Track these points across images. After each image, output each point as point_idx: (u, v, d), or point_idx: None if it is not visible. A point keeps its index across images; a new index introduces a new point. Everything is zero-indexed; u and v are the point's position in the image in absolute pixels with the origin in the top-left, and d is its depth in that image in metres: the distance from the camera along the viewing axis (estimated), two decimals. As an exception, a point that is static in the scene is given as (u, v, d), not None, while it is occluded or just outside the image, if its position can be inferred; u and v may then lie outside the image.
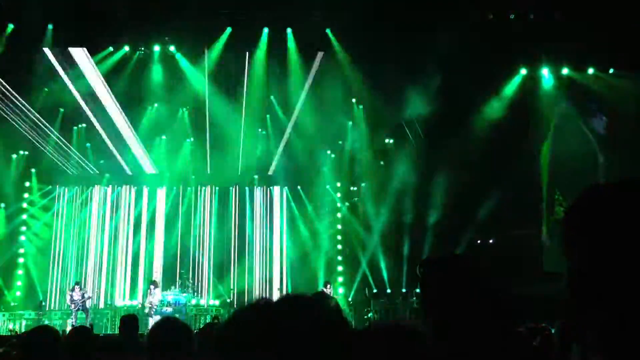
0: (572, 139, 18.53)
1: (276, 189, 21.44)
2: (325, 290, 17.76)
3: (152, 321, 15.41)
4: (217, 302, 19.22)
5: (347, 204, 21.35)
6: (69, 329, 14.72)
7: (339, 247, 20.99)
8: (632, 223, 1.02)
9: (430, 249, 18.43)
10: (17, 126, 18.00)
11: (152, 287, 17.13)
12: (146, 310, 16.24)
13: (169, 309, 17.17)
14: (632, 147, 16.91)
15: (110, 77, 17.96)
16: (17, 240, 20.00)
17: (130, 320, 6.18)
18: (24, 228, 20.25)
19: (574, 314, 1.06)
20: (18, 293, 19.49)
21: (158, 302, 16.94)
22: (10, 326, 17.24)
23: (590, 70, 18.46)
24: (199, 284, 19.82)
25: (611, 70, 18.18)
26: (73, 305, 16.56)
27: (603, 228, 1.05)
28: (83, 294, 16.82)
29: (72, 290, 16.89)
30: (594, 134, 18.60)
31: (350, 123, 20.35)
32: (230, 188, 21.25)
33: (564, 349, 2.81)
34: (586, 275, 1.06)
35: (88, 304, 16.95)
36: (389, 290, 19.52)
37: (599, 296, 1.03)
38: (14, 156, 19.78)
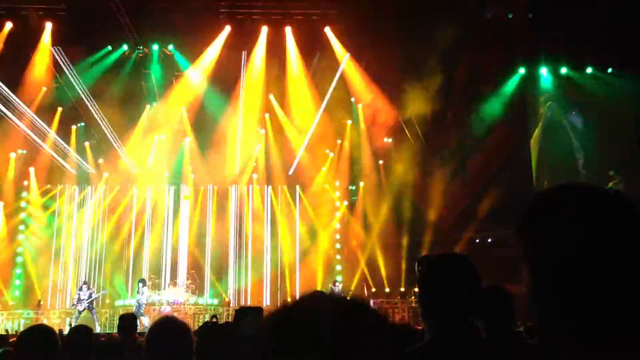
0: (559, 135, 18.72)
1: (275, 188, 21.43)
2: (333, 288, 17.79)
3: (143, 320, 15.41)
4: (215, 301, 19.21)
5: (345, 203, 21.37)
6: (67, 328, 14.74)
7: (338, 246, 21.00)
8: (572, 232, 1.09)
9: (429, 248, 18.45)
10: (15, 125, 17.97)
11: (140, 285, 17.18)
12: (134, 309, 16.21)
13: (168, 308, 17.18)
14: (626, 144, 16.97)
15: (109, 75, 17.95)
16: (15, 239, 19.98)
17: (129, 319, 6.19)
18: (22, 227, 20.23)
19: (537, 321, 1.18)
20: (16, 292, 19.48)
21: (146, 300, 16.99)
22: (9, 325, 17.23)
23: (589, 70, 18.48)
24: (197, 283, 19.80)
25: (609, 70, 18.21)
26: (80, 305, 16.57)
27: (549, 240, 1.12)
28: (90, 293, 16.81)
29: (80, 289, 16.88)
30: (575, 131, 18.70)
31: (350, 122, 20.35)
32: (229, 187, 21.26)
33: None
34: (538, 288, 1.16)
35: (94, 303, 16.96)
36: (387, 289, 19.53)
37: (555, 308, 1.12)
38: (13, 155, 19.75)
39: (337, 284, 18.27)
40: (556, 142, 18.70)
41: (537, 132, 19.03)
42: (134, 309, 16.25)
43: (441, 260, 2.19)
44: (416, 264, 2.21)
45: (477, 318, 2.16)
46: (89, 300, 16.63)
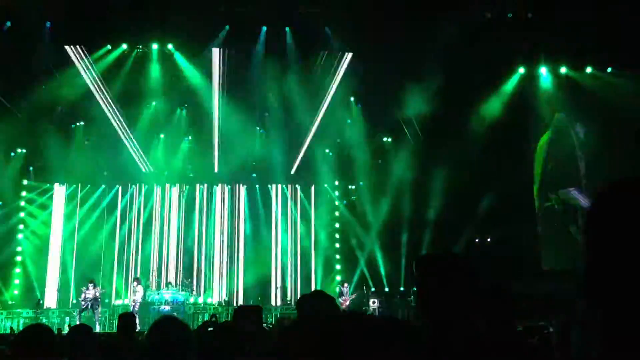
0: (564, 143, 18.92)
1: (274, 187, 21.41)
2: (342, 289, 17.79)
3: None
4: (214, 301, 19.21)
5: (345, 202, 21.36)
6: (66, 327, 14.74)
7: (337, 245, 20.99)
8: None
9: (428, 248, 18.45)
10: (15, 124, 17.96)
11: (135, 283, 17.15)
12: (131, 309, 16.20)
13: (168, 308, 17.18)
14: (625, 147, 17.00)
15: (108, 74, 17.93)
16: (14, 239, 19.96)
17: (128, 319, 6.19)
18: (21, 226, 20.22)
19: (585, 299, 1.10)
20: (16, 292, 19.47)
21: (141, 299, 17.00)
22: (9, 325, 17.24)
23: (589, 69, 18.48)
24: (197, 282, 19.81)
25: (609, 69, 18.21)
26: (84, 303, 16.57)
27: (623, 224, 1.08)
28: (96, 292, 16.78)
29: (87, 288, 16.85)
30: (579, 141, 18.87)
31: (349, 121, 20.34)
32: (228, 186, 21.24)
33: (564, 345, 2.81)
34: (599, 265, 1.09)
35: (99, 302, 16.95)
36: (387, 289, 19.53)
37: (608, 286, 1.06)
38: (12, 154, 19.74)
39: (345, 284, 18.27)
40: (560, 150, 18.88)
41: (544, 139, 19.09)
42: (130, 309, 16.27)
43: (438, 259, 2.19)
44: (413, 263, 2.20)
45: (477, 317, 2.15)
46: (92, 299, 16.62)
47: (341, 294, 17.97)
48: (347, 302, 17.71)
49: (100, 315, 17.08)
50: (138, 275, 18.38)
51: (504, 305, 2.71)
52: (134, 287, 17.20)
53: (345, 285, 18.29)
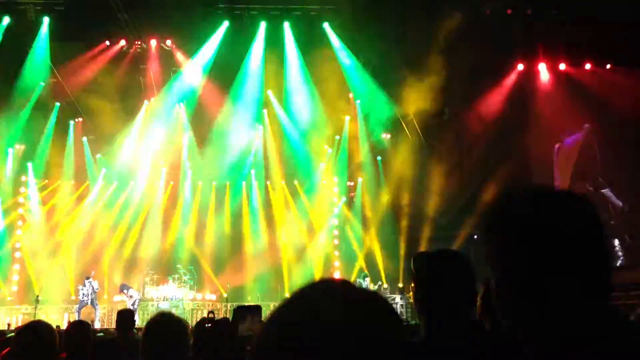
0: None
1: (273, 184, 21.40)
2: (362, 282, 17.35)
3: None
4: (213, 297, 19.22)
5: (344, 199, 21.35)
6: (64, 323, 14.74)
7: (336, 242, 21.00)
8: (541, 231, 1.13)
9: (427, 244, 18.45)
10: (13, 120, 17.94)
11: (125, 291, 16.98)
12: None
13: (166, 303, 17.20)
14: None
15: (107, 71, 17.90)
16: (13, 235, 19.95)
17: (126, 315, 6.19)
18: (20, 222, 20.21)
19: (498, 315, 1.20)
20: (14, 287, 19.47)
21: (138, 296, 16.92)
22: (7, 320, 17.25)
23: (587, 66, 18.46)
24: (196, 278, 19.80)
25: (608, 66, 18.20)
26: (85, 299, 16.58)
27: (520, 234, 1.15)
28: (93, 287, 16.79)
29: (83, 285, 16.86)
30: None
31: (348, 117, 20.33)
32: (227, 182, 21.22)
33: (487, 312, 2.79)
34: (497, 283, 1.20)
35: (97, 298, 16.97)
36: (385, 286, 19.54)
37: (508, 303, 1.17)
38: (10, 150, 19.72)
39: (366, 278, 17.98)
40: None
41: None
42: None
43: (437, 256, 2.19)
44: (411, 260, 2.20)
45: (472, 314, 2.16)
46: (92, 295, 16.64)
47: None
48: None
49: (100, 311, 17.10)
50: (124, 283, 18.12)
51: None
52: (125, 294, 17.06)
53: (366, 278, 17.84)
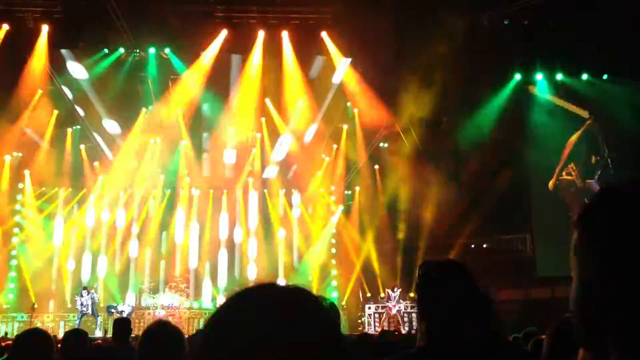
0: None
1: (270, 192, 21.38)
2: (391, 293, 16.60)
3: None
4: (210, 305, 19.15)
5: (341, 207, 21.34)
6: (61, 332, 14.69)
7: (333, 250, 20.96)
8: None
9: (424, 253, 18.43)
10: (10, 127, 17.92)
11: (113, 311, 16.73)
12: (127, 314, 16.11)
13: (163, 312, 17.13)
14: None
15: (105, 78, 17.92)
16: (10, 243, 19.87)
17: (123, 324, 6.16)
18: (17, 230, 20.12)
19: (592, 316, 1.01)
20: (10, 295, 19.37)
21: (130, 313, 16.79)
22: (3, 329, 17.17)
23: (584, 76, 18.56)
24: (192, 286, 19.74)
25: (605, 76, 18.29)
26: (84, 309, 16.51)
27: (623, 231, 1.00)
28: (92, 297, 16.72)
29: (81, 295, 16.79)
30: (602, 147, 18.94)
31: (346, 126, 20.36)
32: (224, 190, 21.18)
33: (556, 354, 2.80)
34: (606, 277, 1.00)
35: (96, 307, 16.89)
36: (382, 294, 19.51)
37: (621, 298, 0.98)
38: (8, 158, 19.68)
39: (395, 289, 17.61)
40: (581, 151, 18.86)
41: (574, 138, 18.99)
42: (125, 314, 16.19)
43: (440, 266, 2.19)
44: (417, 269, 2.21)
45: (474, 323, 2.16)
46: (92, 304, 16.58)
47: (388, 298, 16.50)
48: (395, 310, 15.72)
49: (100, 320, 17.05)
50: (109, 304, 17.87)
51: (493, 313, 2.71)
52: (114, 314, 16.78)
53: (395, 289, 17.26)
